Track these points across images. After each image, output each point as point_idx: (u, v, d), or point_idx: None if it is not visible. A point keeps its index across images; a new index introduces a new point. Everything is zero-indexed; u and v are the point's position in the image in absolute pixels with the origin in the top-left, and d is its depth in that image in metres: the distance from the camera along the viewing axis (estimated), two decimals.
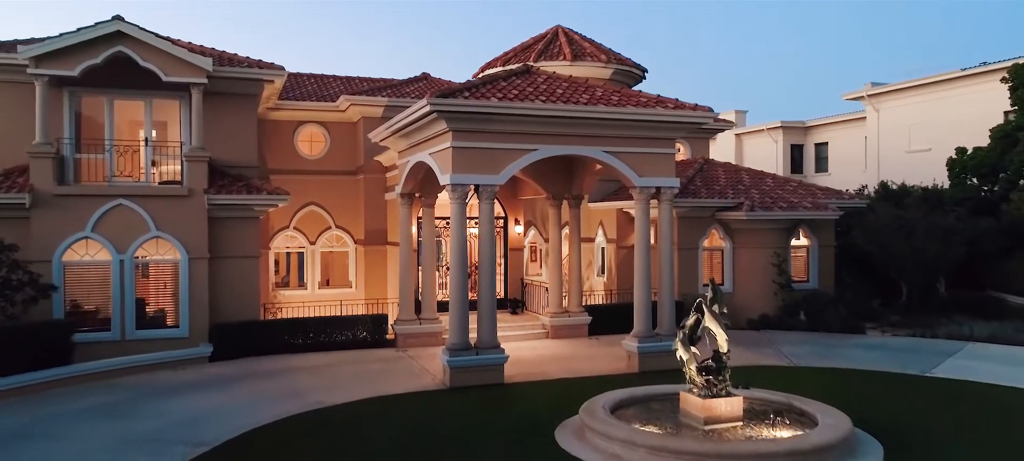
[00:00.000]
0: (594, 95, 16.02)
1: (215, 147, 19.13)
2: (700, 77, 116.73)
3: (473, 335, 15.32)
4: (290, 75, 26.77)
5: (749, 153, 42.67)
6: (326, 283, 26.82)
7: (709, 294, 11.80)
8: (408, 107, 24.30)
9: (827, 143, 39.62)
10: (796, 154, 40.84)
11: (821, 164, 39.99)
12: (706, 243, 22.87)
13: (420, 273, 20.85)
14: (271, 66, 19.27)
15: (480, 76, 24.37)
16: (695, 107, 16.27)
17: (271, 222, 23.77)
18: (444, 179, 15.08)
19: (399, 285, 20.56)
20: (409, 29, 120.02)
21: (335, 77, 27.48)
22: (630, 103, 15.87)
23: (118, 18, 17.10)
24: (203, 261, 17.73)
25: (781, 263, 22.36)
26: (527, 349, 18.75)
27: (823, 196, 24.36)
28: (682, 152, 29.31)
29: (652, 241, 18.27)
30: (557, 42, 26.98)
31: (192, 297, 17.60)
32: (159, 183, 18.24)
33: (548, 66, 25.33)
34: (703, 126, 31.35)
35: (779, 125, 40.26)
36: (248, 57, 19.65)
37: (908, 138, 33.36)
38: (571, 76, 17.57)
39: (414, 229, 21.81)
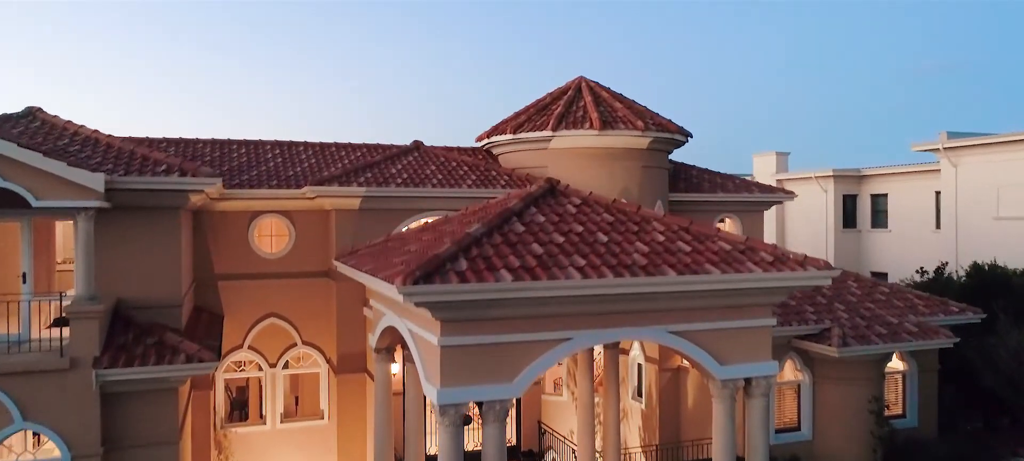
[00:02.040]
0: (652, 240, 10.79)
1: (121, 280, 14.01)
2: (733, 115, 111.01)
3: None
4: (249, 145, 21.58)
5: (792, 203, 37.32)
6: (296, 402, 21.71)
7: None
8: (391, 195, 19.33)
9: (886, 195, 34.27)
10: (849, 206, 35.52)
11: (879, 218, 34.67)
12: (777, 376, 17.62)
13: (404, 418, 15.71)
14: (197, 170, 14.09)
15: (488, 141, 19.04)
16: (804, 262, 10.90)
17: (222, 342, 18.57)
18: (430, 393, 9.86)
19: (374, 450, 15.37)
20: (405, 87, 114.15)
21: (307, 144, 22.27)
22: (708, 253, 10.63)
23: None
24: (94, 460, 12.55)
25: (879, 409, 17.09)
26: None
27: (925, 307, 19.04)
28: (730, 229, 24.06)
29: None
30: (581, 102, 21.72)
31: None
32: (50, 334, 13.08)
33: (571, 136, 20.19)
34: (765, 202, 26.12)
35: (830, 173, 34.93)
36: (170, 157, 14.48)
37: (995, 201, 28.00)
38: (616, 201, 12.28)
39: (396, 367, 16.65)
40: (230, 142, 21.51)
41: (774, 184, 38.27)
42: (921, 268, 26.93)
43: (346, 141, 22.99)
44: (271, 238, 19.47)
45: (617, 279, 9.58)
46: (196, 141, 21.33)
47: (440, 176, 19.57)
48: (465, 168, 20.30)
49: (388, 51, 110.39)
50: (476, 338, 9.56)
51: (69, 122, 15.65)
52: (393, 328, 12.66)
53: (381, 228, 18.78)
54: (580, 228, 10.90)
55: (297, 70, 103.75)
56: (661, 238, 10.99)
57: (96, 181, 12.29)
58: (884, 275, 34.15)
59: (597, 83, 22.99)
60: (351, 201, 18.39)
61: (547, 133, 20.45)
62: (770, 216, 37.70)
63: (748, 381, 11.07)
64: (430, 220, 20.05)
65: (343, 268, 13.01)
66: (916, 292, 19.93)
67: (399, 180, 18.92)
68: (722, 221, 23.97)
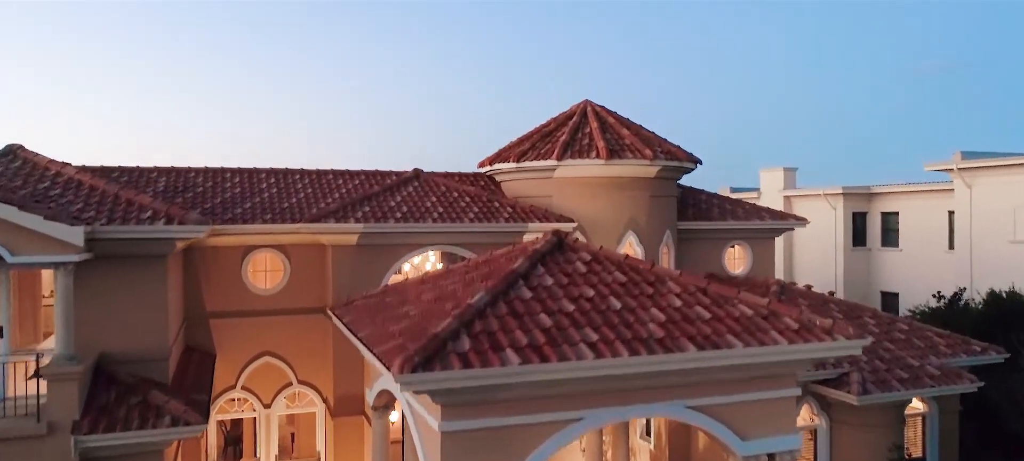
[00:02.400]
0: (668, 306, 10.03)
1: (104, 333, 13.29)
2: (738, 128, 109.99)
3: None
4: (242, 174, 20.84)
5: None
6: (292, 438, 21.01)
7: None
8: (390, 230, 18.50)
9: (897, 213, 33.50)
10: (858, 223, 34.75)
11: (889, 237, 33.90)
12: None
13: None
14: (184, 217, 13.35)
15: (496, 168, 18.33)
16: (831, 331, 10.10)
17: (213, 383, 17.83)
18: None
19: None
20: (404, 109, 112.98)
21: (303, 172, 21.51)
22: (728, 322, 9.86)
23: None
24: None
25: (900, 458, 16.34)
26: None
27: (946, 346, 18.27)
28: (740, 256, 23.33)
29: None
30: (586, 128, 20.96)
31: None
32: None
33: (576, 166, 19.45)
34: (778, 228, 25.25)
35: (839, 191, 34.16)
36: (155, 202, 13.73)
37: (1012, 224, 27.23)
38: (628, 258, 11.52)
39: (396, 415, 15.92)
40: (223, 171, 20.76)
41: (782, 200, 37.54)
42: (938, 292, 26.19)
43: (343, 167, 22.25)
44: (265, 273, 18.74)
45: (632, 358, 8.82)
46: (188, 170, 20.59)
47: (441, 209, 18.83)
48: (466, 199, 19.56)
49: (388, 51, 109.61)
50: (480, 422, 8.81)
51: (51, 161, 14.92)
52: (388, 393, 11.91)
53: (380, 263, 18.07)
54: (591, 292, 10.15)
55: (297, 70, 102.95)
56: (678, 302, 10.23)
57: (75, 235, 11.55)
58: (895, 296, 33.42)
59: (603, 107, 22.26)
60: (349, 237, 17.66)
61: (552, 163, 19.73)
62: None
63: (771, 456, 10.31)
64: (431, 255, 19.37)
65: (338, 323, 12.27)
66: (936, 330, 19.15)
67: (398, 214, 18.18)
68: (732, 247, 23.25)
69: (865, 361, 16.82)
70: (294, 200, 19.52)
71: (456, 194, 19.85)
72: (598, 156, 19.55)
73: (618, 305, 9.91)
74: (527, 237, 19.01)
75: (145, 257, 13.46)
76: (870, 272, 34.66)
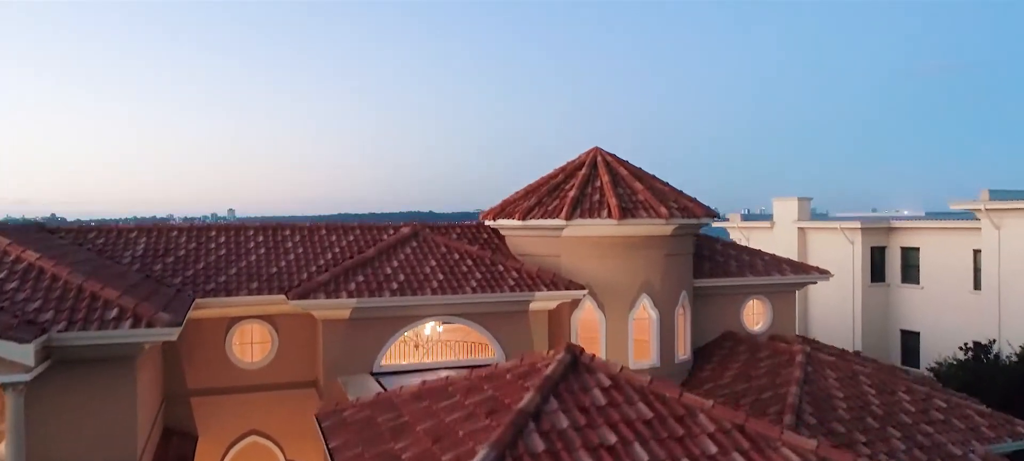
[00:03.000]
0: (702, 454, 8.66)
1: (64, 445, 11.92)
2: (752, 159, 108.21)
3: None
4: (229, 232, 19.48)
5: (815, 251, 35.17)
6: None
7: None
8: (385, 305, 17.07)
9: (918, 249, 32.07)
10: (877, 258, 33.32)
11: (909, 274, 32.44)
12: None
13: None
14: (153, 318, 11.97)
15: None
16: None
17: None
18: None
19: None
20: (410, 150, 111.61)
21: (294, 228, 20.15)
22: None
23: None
24: None
25: None
26: None
27: (989, 429, 16.84)
28: (759, 311, 21.94)
29: None
30: (596, 182, 19.57)
31: None
32: None
33: (586, 226, 18.06)
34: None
35: (857, 225, 32.74)
36: (123, 298, 12.34)
37: None
38: (652, 386, 10.09)
39: None
40: (208, 229, 19.42)
41: (796, 232, 36.15)
42: (965, 344, 24.83)
43: (338, 218, 20.89)
44: (251, 345, 17.42)
45: None
46: (170, 229, 19.26)
47: (441, 275, 17.46)
48: (469, 262, 18.18)
49: (388, 51, 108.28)
50: None
51: (11, 245, 13.56)
52: None
53: (375, 337, 16.73)
54: (612, 438, 8.77)
55: (297, 70, 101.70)
56: (712, 447, 8.86)
57: (24, 354, 10.20)
58: (916, 335, 32.02)
59: (614, 156, 20.88)
60: (341, 311, 16.29)
61: (560, 222, 18.35)
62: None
63: None
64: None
65: (324, 445, 10.91)
66: (976, 407, 17.74)
67: (395, 284, 16.81)
68: (751, 301, 21.85)
69: (902, 448, 15.42)
70: (284, 263, 18.17)
71: (457, 256, 18.47)
72: (610, 215, 18.18)
73: (645, 457, 8.52)
74: (533, 305, 17.66)
75: (111, 359, 12.09)
76: (889, 309, 33.25)
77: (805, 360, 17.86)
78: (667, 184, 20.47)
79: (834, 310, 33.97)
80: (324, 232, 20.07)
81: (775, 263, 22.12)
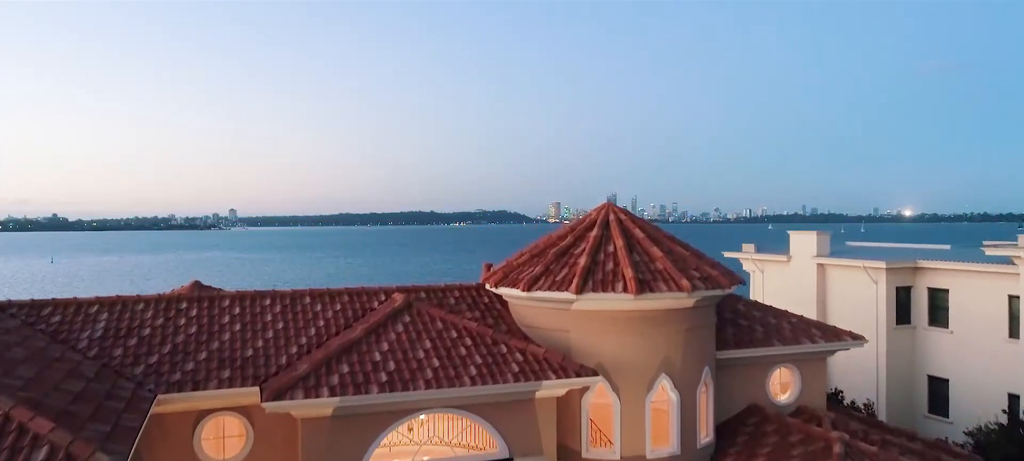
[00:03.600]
0: None
1: None
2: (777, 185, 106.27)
3: None
4: (201, 305, 17.54)
5: (835, 289, 33.19)
6: None
7: None
8: (372, 402, 15.10)
9: (947, 291, 30.07)
10: (902, 298, 31.31)
11: (938, 316, 30.43)
12: None
13: None
14: (90, 458, 10.03)
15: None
16: None
17: None
18: None
19: None
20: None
21: (274, 297, 18.19)
22: None
23: None
24: None
25: None
26: None
27: None
28: (787, 380, 20.00)
29: None
30: (609, 247, 17.62)
31: None
32: None
33: (600, 300, 16.18)
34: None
35: (882, 264, 30.74)
36: (56, 430, 10.38)
37: None
38: None
39: None
40: (178, 301, 17.46)
41: (814, 268, 34.16)
42: (1005, 409, 22.89)
43: (323, 288, 18.96)
44: (222, 439, 15.51)
45: None
46: (136, 301, 17.31)
47: (436, 360, 15.53)
48: (468, 343, 16.24)
49: (388, 51, 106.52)
50: None
51: None
52: None
53: (361, 436, 14.81)
54: None
55: (297, 70, 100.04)
56: None
57: None
58: (945, 382, 30.04)
59: (628, 214, 18.98)
60: (322, 409, 14.36)
61: (569, 296, 16.42)
62: (810, 304, 33.67)
63: None
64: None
65: None
66: None
67: (383, 374, 14.88)
68: (776, 369, 19.90)
69: None
70: (260, 343, 16.27)
71: (455, 333, 16.54)
72: (626, 289, 16.25)
73: None
74: (540, 394, 15.73)
75: None
76: (915, 352, 31.27)
77: (843, 452, 15.91)
78: (687, 245, 18.54)
79: (857, 353, 31.96)
80: (308, 301, 18.14)
81: (804, 327, 20.16)
